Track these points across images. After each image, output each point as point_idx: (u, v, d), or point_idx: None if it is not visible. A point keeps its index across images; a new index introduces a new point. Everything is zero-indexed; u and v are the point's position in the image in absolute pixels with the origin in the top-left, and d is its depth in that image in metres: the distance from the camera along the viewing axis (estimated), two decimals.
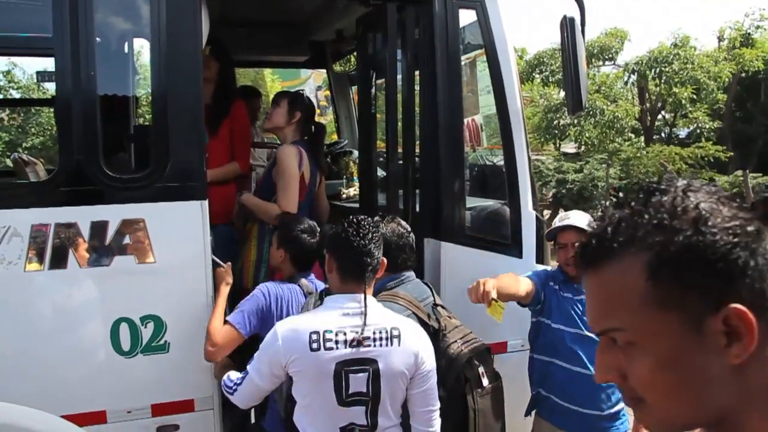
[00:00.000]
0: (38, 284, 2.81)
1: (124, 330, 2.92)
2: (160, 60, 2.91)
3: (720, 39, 21.36)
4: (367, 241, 2.56)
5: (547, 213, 14.69)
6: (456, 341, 2.96)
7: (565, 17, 3.48)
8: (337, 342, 2.46)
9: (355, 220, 2.62)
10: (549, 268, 3.58)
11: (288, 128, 3.93)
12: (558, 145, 21.57)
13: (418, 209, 3.63)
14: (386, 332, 2.52)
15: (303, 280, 3.18)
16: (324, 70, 7.26)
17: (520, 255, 3.60)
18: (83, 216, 2.83)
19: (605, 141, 17.12)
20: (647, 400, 0.92)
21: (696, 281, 0.86)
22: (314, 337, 2.45)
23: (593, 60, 17.83)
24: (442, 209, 3.49)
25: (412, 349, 2.55)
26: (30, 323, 2.84)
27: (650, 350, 0.89)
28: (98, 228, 2.84)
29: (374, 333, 2.50)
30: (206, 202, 2.98)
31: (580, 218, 3.12)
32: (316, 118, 4.62)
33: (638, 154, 16.29)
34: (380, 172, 4.67)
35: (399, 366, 2.52)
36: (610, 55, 18.21)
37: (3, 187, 3.31)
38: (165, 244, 2.92)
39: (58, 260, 2.80)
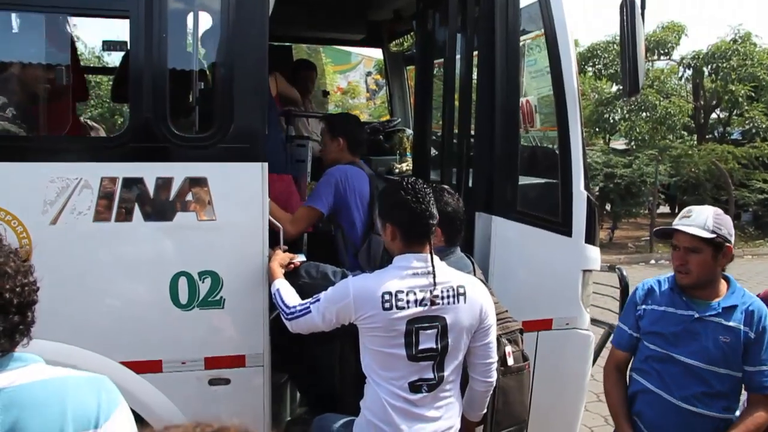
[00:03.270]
0: (105, 235, 2.93)
1: (183, 284, 3.03)
2: (229, 26, 3.01)
3: None
4: (426, 204, 2.67)
5: None
6: None
7: (625, 0, 3.48)
8: (408, 302, 2.61)
9: (408, 184, 2.71)
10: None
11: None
12: (607, 140, 21.28)
13: (471, 184, 3.67)
14: (453, 290, 2.68)
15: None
16: (373, 55, 7.34)
17: (569, 234, 3.62)
18: (149, 171, 2.94)
19: (656, 137, 16.82)
20: None
21: None
22: (386, 297, 2.60)
23: (648, 54, 17.49)
24: (494, 184, 3.53)
25: (476, 304, 2.72)
26: (95, 272, 2.97)
27: None
28: (163, 184, 2.95)
29: (442, 291, 2.65)
30: (266, 164, 3.07)
31: (702, 218, 2.76)
32: (366, 102, 4.70)
33: (689, 152, 15.98)
34: (433, 151, 4.72)
35: (465, 321, 2.69)
36: (666, 50, 17.84)
37: (76, 141, 3.43)
38: (225, 202, 3.02)
39: (124, 213, 2.92)
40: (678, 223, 2.81)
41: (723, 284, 2.83)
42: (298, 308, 2.81)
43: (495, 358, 2.83)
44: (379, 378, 2.68)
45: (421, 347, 2.64)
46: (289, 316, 2.83)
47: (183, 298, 3.04)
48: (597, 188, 15.86)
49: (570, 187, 3.61)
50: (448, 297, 2.67)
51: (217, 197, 3.01)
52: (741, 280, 10.53)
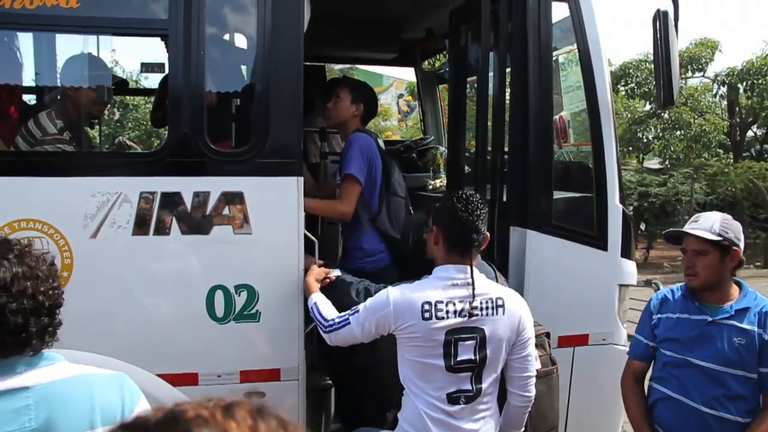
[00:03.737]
0: (143, 248, 2.98)
1: (219, 297, 3.06)
2: (266, 43, 3.07)
3: None
4: (475, 217, 2.69)
5: None
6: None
7: (658, 11, 3.49)
8: (447, 312, 2.63)
9: (464, 195, 2.76)
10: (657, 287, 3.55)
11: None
12: (641, 159, 21.10)
13: (505, 199, 3.66)
14: (492, 302, 2.70)
15: None
16: (404, 78, 7.39)
17: (605, 248, 3.59)
18: (187, 186, 2.99)
19: (691, 155, 16.65)
20: None
21: None
22: (426, 307, 2.62)
23: (681, 71, 17.35)
24: (529, 198, 3.52)
25: (515, 317, 2.73)
26: (133, 285, 3.01)
27: None
28: (200, 198, 3.00)
29: (481, 303, 2.66)
30: (302, 179, 3.11)
31: (709, 223, 2.80)
32: (397, 124, 4.71)
33: (725, 170, 15.76)
34: (466, 168, 4.73)
35: (503, 333, 2.70)
36: (700, 66, 17.68)
37: (116, 155, 3.52)
38: (261, 216, 3.05)
39: (162, 226, 2.97)
40: (686, 227, 2.86)
41: (735, 289, 2.86)
42: (337, 321, 2.82)
43: (533, 372, 2.81)
44: (417, 389, 2.68)
45: (459, 358, 2.64)
46: (328, 329, 2.84)
47: (219, 311, 3.07)
48: (631, 207, 15.71)
49: (605, 200, 3.59)
50: (487, 308, 2.68)
51: (253, 211, 3.04)
52: None
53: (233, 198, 3.03)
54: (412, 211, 4.06)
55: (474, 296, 2.65)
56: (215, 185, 3.02)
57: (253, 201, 3.05)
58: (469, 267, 2.70)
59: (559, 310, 3.59)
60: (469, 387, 2.68)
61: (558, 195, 3.71)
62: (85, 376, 1.69)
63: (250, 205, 3.04)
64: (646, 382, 3.08)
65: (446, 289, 2.66)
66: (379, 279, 3.25)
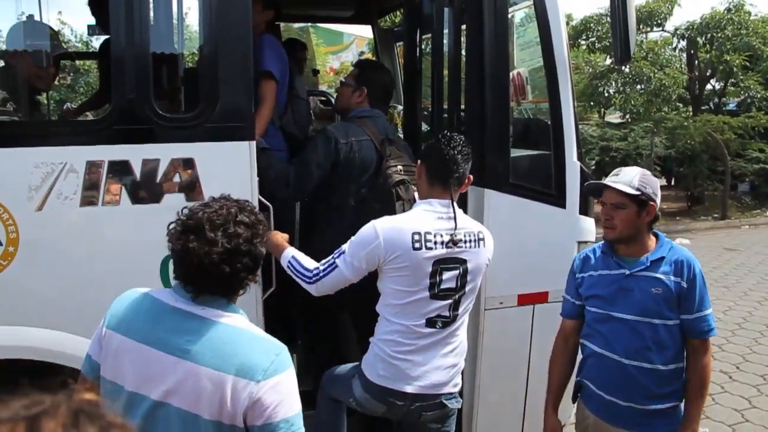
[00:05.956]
0: (93, 219, 2.90)
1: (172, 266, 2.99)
2: (212, 2, 2.95)
3: None
4: (456, 152, 2.91)
5: None
6: (397, 166, 3.46)
7: None
8: (435, 243, 2.83)
9: (449, 134, 3.00)
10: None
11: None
12: (602, 114, 21.20)
13: None
14: (474, 235, 2.96)
15: None
16: (365, 35, 7.26)
17: (563, 205, 3.60)
18: (135, 154, 2.90)
19: (651, 109, 16.75)
20: None
21: None
22: (416, 237, 2.81)
23: (641, 26, 17.36)
24: (486, 157, 3.49)
25: (490, 249, 3.04)
26: (83, 257, 2.94)
27: None
28: (149, 166, 2.92)
29: (465, 236, 2.91)
30: (254, 143, 3.04)
31: (629, 177, 2.87)
32: None
33: (685, 124, 15.89)
34: (424, 126, 4.68)
35: (482, 264, 3.00)
36: (659, 21, 17.69)
37: (59, 124, 3.39)
38: (214, 183, 2.97)
39: (111, 196, 2.89)
40: (607, 181, 2.92)
41: (652, 241, 2.94)
42: (322, 268, 2.87)
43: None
44: (396, 316, 2.86)
45: (443, 287, 2.87)
46: (314, 279, 2.88)
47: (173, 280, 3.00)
48: (593, 162, 15.83)
49: (563, 158, 3.58)
50: (470, 241, 2.92)
51: (205, 178, 2.97)
52: (738, 250, 10.56)
53: (184, 164, 2.95)
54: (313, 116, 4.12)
55: (457, 228, 2.87)
56: (164, 152, 2.94)
57: (205, 167, 2.97)
58: (450, 201, 2.89)
59: (519, 268, 3.61)
60: (447, 313, 2.91)
61: (516, 153, 3.69)
62: (246, 332, 2.01)
63: (202, 172, 2.97)
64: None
65: (432, 220, 2.85)
66: None
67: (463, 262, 2.89)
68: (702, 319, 2.82)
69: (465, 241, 2.88)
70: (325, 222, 3.59)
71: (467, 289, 2.94)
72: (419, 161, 3.04)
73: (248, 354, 1.91)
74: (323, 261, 2.89)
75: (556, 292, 3.52)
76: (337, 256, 2.85)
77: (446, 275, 2.86)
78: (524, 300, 3.63)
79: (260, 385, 1.87)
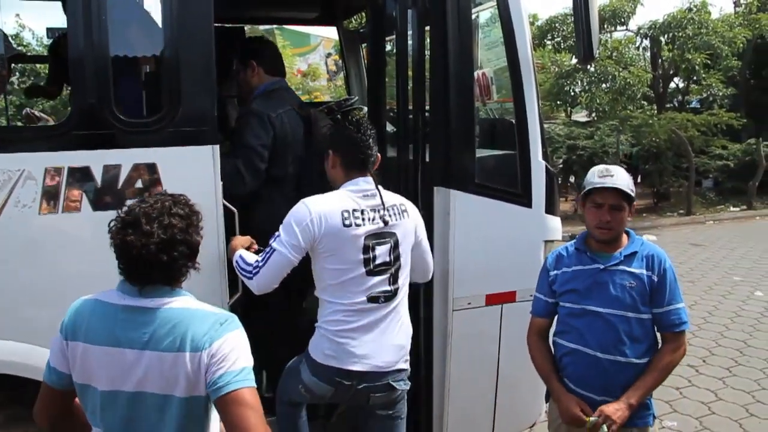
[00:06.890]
0: (53, 226, 2.83)
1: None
2: (173, 4, 2.91)
3: (736, 4, 21.05)
4: (367, 137, 2.98)
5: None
6: (327, 126, 3.68)
7: None
8: (364, 219, 2.90)
9: (354, 119, 3.07)
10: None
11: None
12: (569, 113, 21.40)
13: (427, 159, 3.63)
14: (398, 208, 3.03)
15: None
16: (332, 37, 7.22)
17: (529, 205, 3.61)
18: (96, 159, 2.85)
19: (616, 108, 16.94)
20: None
21: None
22: (345, 215, 2.87)
23: (605, 25, 17.57)
24: (451, 158, 3.49)
25: (414, 219, 3.12)
26: (44, 264, 2.86)
27: None
28: (111, 172, 2.86)
29: (390, 209, 2.98)
30: (218, 147, 3.00)
31: (624, 178, 2.88)
32: (326, 84, 4.68)
33: (650, 121, 16.11)
34: (389, 127, 4.66)
35: (410, 235, 3.07)
36: (622, 20, 17.92)
37: (17, 130, 3.32)
38: (176, 187, 2.88)
39: (72, 203, 2.83)
40: (607, 182, 2.87)
41: (624, 237, 3.00)
42: (260, 258, 2.90)
43: (430, 261, 3.30)
44: (335, 296, 2.90)
45: (377, 262, 2.93)
46: (254, 270, 2.89)
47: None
48: (560, 160, 15.97)
49: (528, 157, 3.59)
50: (396, 214, 3.00)
51: (168, 183, 2.91)
52: (703, 245, 10.68)
53: (146, 170, 2.90)
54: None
55: (383, 204, 2.94)
56: (126, 157, 2.89)
57: (167, 172, 2.93)
58: (371, 178, 2.98)
59: (486, 268, 3.61)
60: (387, 288, 2.97)
61: (481, 153, 3.69)
62: (193, 310, 2.10)
63: (164, 177, 2.92)
64: (551, 339, 3.16)
65: (359, 198, 2.92)
66: None
67: (392, 234, 2.97)
68: (672, 312, 2.86)
69: (392, 215, 2.96)
70: (268, 198, 3.64)
71: (402, 261, 3.01)
72: (329, 151, 3.05)
73: (197, 328, 2.03)
74: (261, 253, 2.94)
75: (524, 291, 3.55)
76: (273, 241, 2.88)
77: (379, 250, 2.92)
78: (492, 300, 3.63)
79: (208, 350, 2.00)
